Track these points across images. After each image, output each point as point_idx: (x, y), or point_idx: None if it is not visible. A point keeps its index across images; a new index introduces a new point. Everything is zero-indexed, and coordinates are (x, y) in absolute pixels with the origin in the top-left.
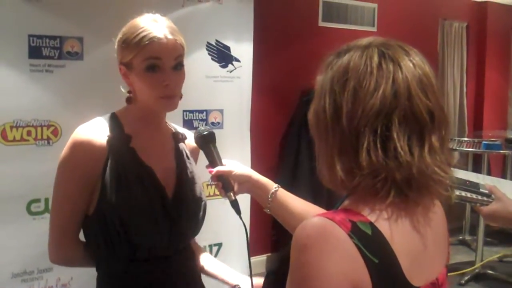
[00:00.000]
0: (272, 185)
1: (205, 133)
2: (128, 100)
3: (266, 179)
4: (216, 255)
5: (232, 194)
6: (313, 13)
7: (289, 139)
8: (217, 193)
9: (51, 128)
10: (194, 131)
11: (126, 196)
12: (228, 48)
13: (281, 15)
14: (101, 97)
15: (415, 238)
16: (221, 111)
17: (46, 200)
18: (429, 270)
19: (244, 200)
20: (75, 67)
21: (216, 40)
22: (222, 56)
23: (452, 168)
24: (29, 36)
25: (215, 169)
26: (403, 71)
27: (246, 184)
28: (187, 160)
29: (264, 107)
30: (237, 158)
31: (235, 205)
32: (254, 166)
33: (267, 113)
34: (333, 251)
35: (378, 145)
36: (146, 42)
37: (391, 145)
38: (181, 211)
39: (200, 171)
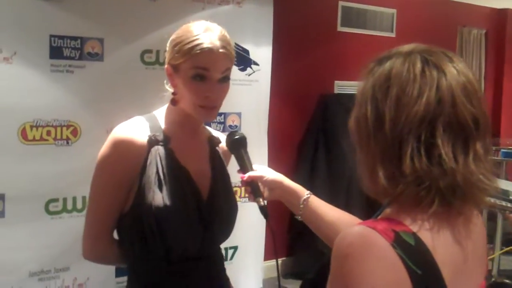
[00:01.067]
0: (303, 192)
1: (237, 137)
2: (173, 102)
3: (297, 186)
4: (231, 258)
5: (261, 199)
6: (332, 18)
7: (306, 143)
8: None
9: (71, 128)
10: (227, 134)
11: (163, 197)
12: (247, 52)
13: (300, 19)
14: (120, 98)
15: (456, 250)
16: (239, 114)
17: (64, 199)
18: (469, 283)
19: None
20: (95, 68)
21: (236, 44)
22: (241, 59)
23: None
24: (51, 36)
25: (246, 174)
26: (447, 78)
27: (277, 190)
28: (221, 164)
29: (281, 111)
30: (254, 161)
31: (263, 210)
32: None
33: (285, 117)
34: (376, 261)
35: (422, 152)
36: (197, 51)
37: (435, 152)
38: (215, 214)
39: (231, 174)
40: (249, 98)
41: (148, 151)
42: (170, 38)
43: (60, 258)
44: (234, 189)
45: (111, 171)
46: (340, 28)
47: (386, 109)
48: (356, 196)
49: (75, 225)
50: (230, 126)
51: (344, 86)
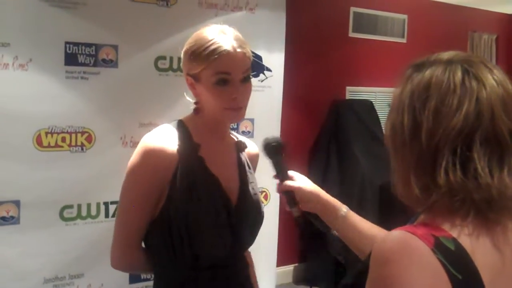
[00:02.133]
0: (340, 206)
1: (275, 143)
2: (196, 111)
3: (334, 200)
4: None
5: (296, 210)
6: (344, 24)
7: (318, 149)
8: None
9: (85, 135)
10: (264, 138)
11: (193, 205)
12: (260, 58)
13: (312, 25)
14: (134, 104)
15: (495, 255)
16: (251, 120)
17: (79, 206)
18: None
19: (272, 210)
20: (110, 74)
21: None
22: (254, 65)
23: None
24: (66, 43)
25: (284, 183)
26: (487, 90)
27: (314, 203)
28: (248, 170)
29: (294, 117)
30: (267, 168)
31: (298, 221)
32: None
33: (297, 123)
34: (417, 266)
35: (458, 166)
36: (216, 56)
37: (471, 166)
38: (243, 221)
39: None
40: (262, 104)
41: (179, 160)
42: (184, 49)
43: (75, 264)
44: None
45: (141, 180)
46: (352, 34)
47: (423, 119)
48: (368, 201)
49: (89, 231)
50: (243, 132)
51: (356, 92)
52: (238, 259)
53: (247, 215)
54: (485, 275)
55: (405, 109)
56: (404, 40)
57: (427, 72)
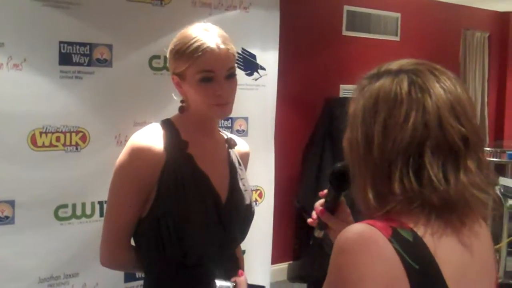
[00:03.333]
0: None
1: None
2: (181, 109)
3: None
4: None
5: (322, 232)
6: (337, 22)
7: (312, 147)
8: None
9: (80, 134)
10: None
11: (182, 202)
12: (254, 56)
13: (305, 24)
14: (129, 104)
15: (460, 251)
16: (246, 118)
17: (74, 205)
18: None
19: (267, 208)
20: (104, 74)
21: (242, 48)
22: (248, 64)
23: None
24: (60, 42)
25: (328, 214)
26: (433, 99)
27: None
28: (238, 167)
29: (288, 115)
30: (261, 166)
31: (316, 240)
32: (277, 174)
33: (291, 121)
34: (371, 255)
35: (411, 174)
36: (199, 53)
37: (424, 174)
38: (233, 218)
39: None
40: (256, 103)
41: (166, 157)
42: (169, 49)
43: (70, 264)
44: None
45: (130, 179)
46: (345, 32)
47: (375, 134)
48: None
49: (84, 231)
50: (237, 130)
51: (350, 90)
52: (229, 256)
53: (237, 212)
54: (447, 268)
55: (358, 125)
56: (397, 38)
57: (376, 85)
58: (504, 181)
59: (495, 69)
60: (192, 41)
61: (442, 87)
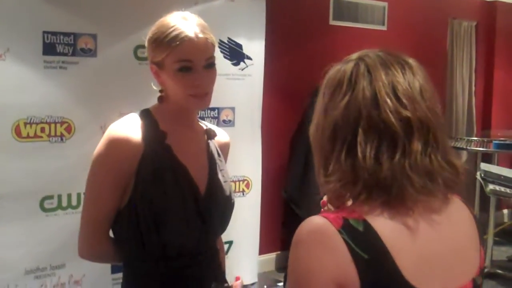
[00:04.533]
0: None
1: None
2: (160, 99)
3: None
4: (226, 253)
5: None
6: (324, 12)
7: (299, 137)
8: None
9: (65, 125)
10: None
11: (160, 193)
12: (240, 46)
13: (292, 13)
14: (114, 94)
15: (420, 241)
16: (232, 109)
17: (59, 196)
18: (446, 277)
19: (254, 198)
20: (89, 64)
21: (228, 38)
22: (234, 54)
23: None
24: (44, 32)
25: None
26: (372, 82)
27: None
28: (217, 158)
29: (275, 105)
30: (248, 156)
31: None
32: (265, 164)
33: (278, 111)
34: (320, 247)
35: (343, 153)
36: (177, 43)
37: (356, 153)
38: (212, 210)
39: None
40: (243, 93)
41: (144, 148)
42: (148, 37)
43: (56, 255)
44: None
45: (107, 170)
46: (332, 22)
47: (320, 116)
48: None
49: (70, 222)
50: (224, 121)
51: None
52: (209, 247)
53: (216, 203)
54: (402, 257)
55: (318, 109)
56: (384, 28)
57: (329, 73)
58: (485, 166)
59: (483, 59)
60: (170, 30)
61: (386, 73)
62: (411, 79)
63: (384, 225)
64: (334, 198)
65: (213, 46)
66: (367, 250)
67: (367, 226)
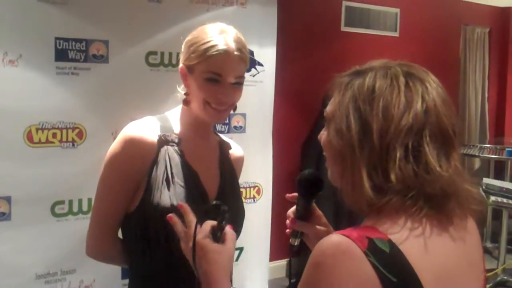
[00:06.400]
0: None
1: (319, 184)
2: (185, 102)
3: None
4: (237, 259)
5: (298, 241)
6: (336, 18)
7: (311, 143)
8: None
9: (76, 131)
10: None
11: (170, 197)
12: (251, 53)
13: (303, 20)
14: (125, 100)
15: (443, 257)
16: (243, 115)
17: (70, 202)
18: None
19: (265, 205)
20: (101, 70)
21: None
22: None
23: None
24: (56, 38)
25: (299, 222)
26: (429, 90)
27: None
28: (230, 169)
29: (286, 111)
30: (259, 162)
31: (291, 248)
32: (276, 171)
33: (289, 118)
34: (345, 270)
35: (411, 159)
36: (213, 53)
37: (422, 160)
38: None
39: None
40: (254, 99)
41: (158, 151)
42: (186, 39)
43: (66, 260)
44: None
45: (120, 169)
46: (344, 28)
47: (373, 119)
48: None
49: (81, 227)
50: (235, 127)
51: None
52: None
53: None
54: (426, 276)
55: (349, 113)
56: (396, 34)
57: (368, 78)
58: (487, 180)
59: (496, 65)
60: (208, 39)
61: (433, 81)
62: (445, 93)
63: (409, 244)
64: (371, 206)
65: (246, 65)
66: (395, 272)
67: (393, 247)
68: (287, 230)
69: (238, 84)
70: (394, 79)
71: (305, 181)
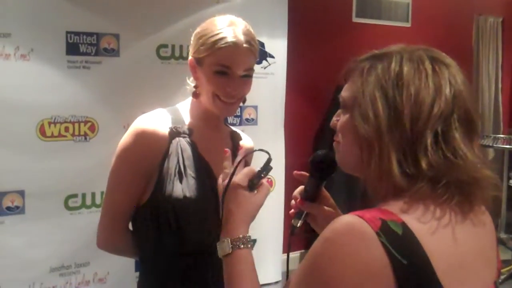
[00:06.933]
0: None
1: (332, 165)
2: (194, 94)
3: None
4: None
5: (301, 222)
6: (347, 9)
7: (323, 135)
8: None
9: (88, 124)
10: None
11: (182, 189)
12: (262, 44)
13: (314, 11)
14: (136, 93)
15: (456, 245)
16: (255, 107)
17: (83, 195)
18: (474, 282)
19: (278, 197)
20: (112, 63)
21: None
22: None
23: None
24: (67, 32)
25: (307, 203)
26: (454, 74)
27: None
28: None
29: (298, 103)
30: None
31: (293, 229)
32: (288, 162)
33: (301, 109)
34: (355, 247)
35: (441, 145)
36: (222, 45)
37: (451, 146)
38: None
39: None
40: (265, 91)
41: (170, 143)
42: (195, 31)
43: (80, 253)
44: None
45: (131, 161)
46: (355, 19)
47: (404, 104)
48: None
49: (94, 220)
50: (246, 119)
51: None
52: None
53: None
54: (440, 262)
55: (376, 97)
56: (408, 24)
57: (394, 61)
58: None
59: (509, 55)
60: (218, 32)
61: (455, 65)
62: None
63: (422, 228)
64: (397, 192)
65: (255, 57)
66: (407, 255)
67: (406, 230)
68: (291, 211)
69: (248, 76)
70: (421, 64)
71: (318, 162)
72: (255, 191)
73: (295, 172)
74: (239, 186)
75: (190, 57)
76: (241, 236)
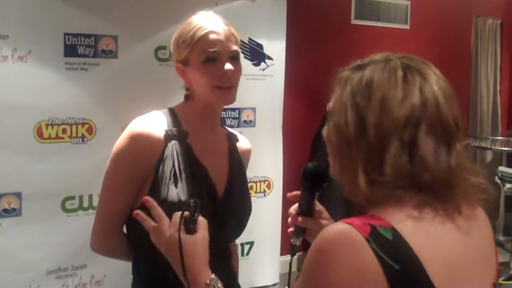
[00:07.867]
0: None
1: (325, 176)
2: (186, 98)
3: None
4: (248, 254)
5: (299, 240)
6: (346, 11)
7: (321, 137)
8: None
9: (86, 126)
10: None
11: (178, 192)
12: (260, 46)
13: (313, 13)
14: (135, 95)
15: (448, 247)
16: (253, 109)
17: (81, 197)
18: (469, 284)
19: (276, 199)
20: (110, 65)
21: (249, 38)
22: (255, 54)
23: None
24: (65, 34)
25: (303, 218)
26: (429, 82)
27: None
28: (239, 162)
29: (296, 105)
30: (269, 156)
31: (293, 248)
32: (286, 165)
33: (299, 111)
34: (346, 255)
35: (407, 152)
36: (201, 34)
37: (418, 152)
38: (229, 213)
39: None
40: (264, 93)
41: (165, 146)
42: (172, 41)
43: (77, 255)
44: (250, 184)
45: (126, 164)
46: (354, 21)
47: (369, 113)
48: None
49: (91, 222)
50: (245, 121)
51: None
52: (222, 250)
53: (233, 206)
54: (433, 266)
55: (348, 108)
56: (407, 27)
57: (367, 71)
58: (503, 168)
59: (508, 57)
60: (193, 26)
61: (434, 73)
62: (446, 82)
63: (412, 232)
64: (368, 200)
65: (237, 40)
66: (398, 260)
67: (396, 234)
68: (289, 230)
69: (235, 58)
70: (392, 73)
71: (309, 173)
72: (195, 233)
73: (288, 194)
74: (176, 237)
75: (174, 64)
76: (207, 282)
